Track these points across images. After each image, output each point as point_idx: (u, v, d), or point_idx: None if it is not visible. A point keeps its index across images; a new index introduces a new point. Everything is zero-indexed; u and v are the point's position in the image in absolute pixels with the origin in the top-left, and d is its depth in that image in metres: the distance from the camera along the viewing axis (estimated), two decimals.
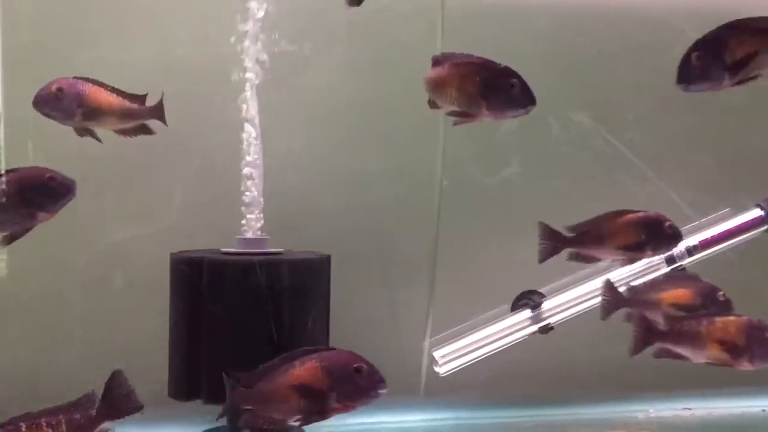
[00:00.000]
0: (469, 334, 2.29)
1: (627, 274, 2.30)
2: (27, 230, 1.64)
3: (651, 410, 2.51)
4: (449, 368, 2.22)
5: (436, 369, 2.23)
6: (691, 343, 1.72)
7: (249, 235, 1.98)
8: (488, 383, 2.31)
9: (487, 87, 1.63)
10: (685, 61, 1.57)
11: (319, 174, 2.30)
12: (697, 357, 1.72)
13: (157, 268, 2.01)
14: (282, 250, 1.99)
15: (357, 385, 1.48)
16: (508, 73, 1.64)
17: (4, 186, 1.62)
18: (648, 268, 2.32)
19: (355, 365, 1.48)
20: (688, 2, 2.50)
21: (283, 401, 1.50)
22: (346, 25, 2.37)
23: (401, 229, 2.40)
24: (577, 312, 2.29)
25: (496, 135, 2.42)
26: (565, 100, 2.43)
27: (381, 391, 1.49)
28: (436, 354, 2.22)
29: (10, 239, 1.64)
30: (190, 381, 1.87)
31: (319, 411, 1.50)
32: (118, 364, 1.57)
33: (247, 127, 1.98)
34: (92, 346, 2.13)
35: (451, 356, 2.23)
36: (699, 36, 2.27)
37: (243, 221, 2.01)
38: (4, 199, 1.61)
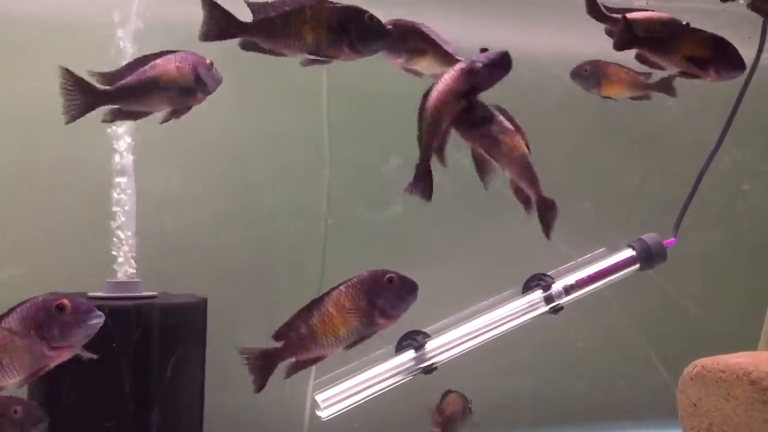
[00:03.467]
0: (353, 376, 2.26)
1: (506, 314, 2.35)
2: None
3: None
4: (332, 412, 2.17)
5: (318, 413, 2.18)
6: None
7: (119, 278, 1.89)
8: (368, 425, 2.28)
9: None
10: None
11: (200, 212, 2.24)
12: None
13: None
14: (156, 293, 1.90)
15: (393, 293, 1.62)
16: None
17: None
18: (528, 307, 2.38)
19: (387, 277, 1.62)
20: (562, 47, 2.59)
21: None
22: (235, 60, 2.32)
23: (286, 267, 2.36)
24: (462, 351, 2.31)
25: (381, 173, 2.42)
26: (451, 141, 2.47)
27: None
28: (319, 398, 2.17)
29: None
30: None
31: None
32: None
33: (118, 162, 1.90)
34: None
35: (333, 399, 2.19)
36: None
37: (114, 264, 1.93)
38: None
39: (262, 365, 1.63)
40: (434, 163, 2.58)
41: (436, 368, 2.28)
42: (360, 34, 1.62)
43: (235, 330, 2.09)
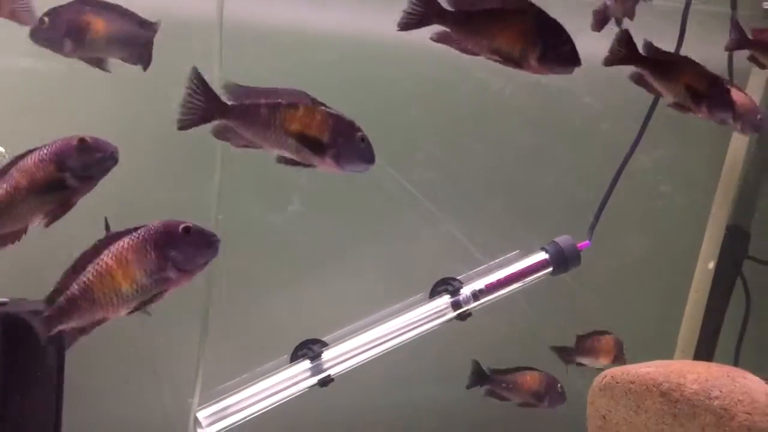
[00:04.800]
0: (242, 390, 2.08)
1: (412, 319, 2.20)
2: None
3: None
4: (215, 430, 1.98)
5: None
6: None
7: None
8: None
9: None
10: None
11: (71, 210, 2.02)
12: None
13: None
14: (6, 299, 1.70)
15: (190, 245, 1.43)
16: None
17: None
18: (435, 313, 2.24)
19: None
20: None
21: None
22: None
23: None
24: (359, 361, 2.14)
25: (278, 170, 2.25)
26: None
27: None
28: (200, 414, 1.98)
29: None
30: None
31: None
32: None
33: None
34: None
35: (218, 416, 2.00)
36: (486, 75, 2.24)
37: None
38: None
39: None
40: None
41: (332, 380, 2.13)
42: (348, 151, 1.57)
43: (103, 339, 1.89)
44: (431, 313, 2.18)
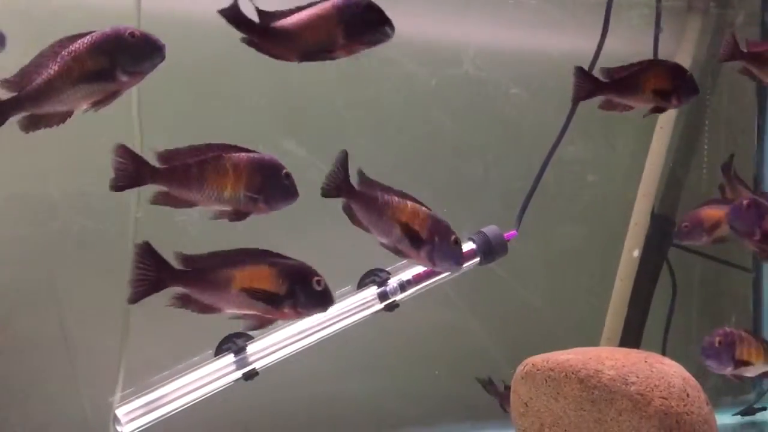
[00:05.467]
0: (163, 385, 2.04)
1: (339, 311, 2.19)
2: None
3: None
4: (135, 427, 1.94)
5: (119, 429, 1.94)
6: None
7: None
8: None
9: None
10: None
11: None
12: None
13: None
14: None
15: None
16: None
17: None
18: (362, 305, 2.24)
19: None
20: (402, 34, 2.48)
21: None
22: (25, 35, 2.06)
23: (86, 262, 2.10)
24: (285, 354, 2.13)
25: None
26: (276, 127, 2.30)
27: None
28: (120, 411, 1.94)
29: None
30: None
31: None
32: None
33: None
34: None
35: (138, 412, 1.96)
36: (414, 66, 2.23)
37: None
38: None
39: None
40: (260, 151, 2.41)
41: (257, 373, 2.11)
42: (441, 251, 1.77)
43: (18, 337, 1.85)
44: (358, 304, 2.18)
